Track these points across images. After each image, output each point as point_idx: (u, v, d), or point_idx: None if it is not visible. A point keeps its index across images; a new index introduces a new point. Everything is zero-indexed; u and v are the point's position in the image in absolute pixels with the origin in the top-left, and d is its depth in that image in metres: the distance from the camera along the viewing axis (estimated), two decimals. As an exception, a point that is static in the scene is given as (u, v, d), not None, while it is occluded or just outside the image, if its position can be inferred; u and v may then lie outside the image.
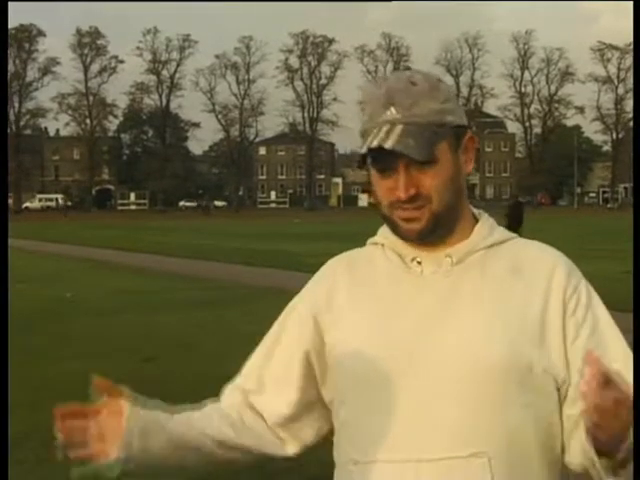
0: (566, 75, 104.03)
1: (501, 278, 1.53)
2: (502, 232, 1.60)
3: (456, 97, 1.61)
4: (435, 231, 1.53)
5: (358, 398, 1.53)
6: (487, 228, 1.59)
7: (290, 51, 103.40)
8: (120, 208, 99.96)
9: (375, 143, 1.47)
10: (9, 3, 5.38)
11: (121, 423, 1.47)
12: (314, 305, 1.62)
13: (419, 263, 1.55)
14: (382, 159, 1.50)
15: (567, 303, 1.51)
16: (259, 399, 1.65)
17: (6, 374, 3.71)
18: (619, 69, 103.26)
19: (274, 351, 1.66)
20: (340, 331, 1.57)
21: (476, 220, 1.60)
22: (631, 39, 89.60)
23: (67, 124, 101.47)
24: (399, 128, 1.47)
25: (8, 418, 3.34)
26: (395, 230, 1.55)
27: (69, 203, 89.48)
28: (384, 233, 1.61)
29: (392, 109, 1.49)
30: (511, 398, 1.46)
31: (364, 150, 1.49)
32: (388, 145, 1.46)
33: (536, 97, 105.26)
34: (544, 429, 1.49)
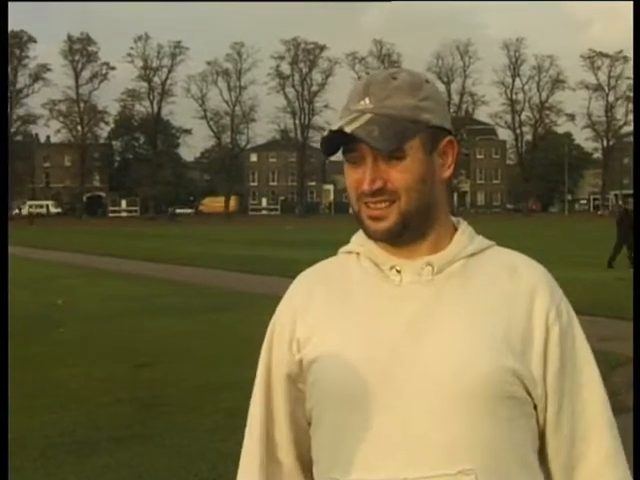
0: (557, 82, 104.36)
1: (484, 288, 1.49)
2: (481, 240, 1.57)
3: (444, 101, 1.57)
4: (404, 233, 1.48)
5: (336, 416, 1.47)
6: (467, 236, 1.55)
7: (281, 58, 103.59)
8: (111, 215, 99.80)
9: (335, 126, 1.44)
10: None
11: None
12: (290, 324, 1.56)
13: (398, 272, 1.50)
14: (351, 148, 1.46)
15: (549, 326, 1.48)
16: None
17: (6, 381, 3.73)
18: (609, 77, 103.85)
19: (274, 431, 1.61)
20: (315, 347, 1.50)
21: (455, 229, 1.56)
22: (620, 47, 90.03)
23: (58, 131, 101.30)
24: (367, 116, 1.44)
25: (8, 424, 3.36)
26: (364, 229, 1.50)
27: (34, 211, 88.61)
28: (359, 240, 1.56)
29: (366, 99, 1.46)
30: (495, 412, 1.42)
31: (325, 133, 1.46)
32: (349, 129, 1.42)
33: (527, 104, 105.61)
34: (526, 442, 1.47)
